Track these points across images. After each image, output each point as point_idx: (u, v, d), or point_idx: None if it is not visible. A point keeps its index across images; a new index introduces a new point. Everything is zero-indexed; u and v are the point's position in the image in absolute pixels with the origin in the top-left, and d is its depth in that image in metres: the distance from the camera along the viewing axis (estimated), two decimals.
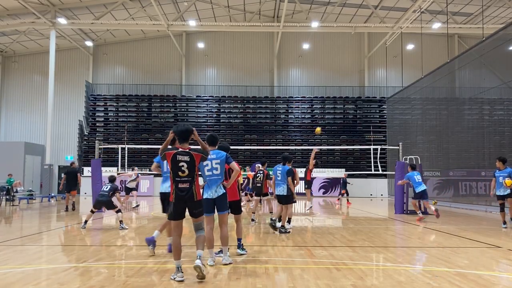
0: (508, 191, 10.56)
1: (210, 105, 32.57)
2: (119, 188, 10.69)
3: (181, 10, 27.84)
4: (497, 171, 11.08)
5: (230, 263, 6.18)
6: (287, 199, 9.52)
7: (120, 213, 10.27)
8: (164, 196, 6.81)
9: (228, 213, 6.63)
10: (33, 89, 33.08)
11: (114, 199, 10.53)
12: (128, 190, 16.75)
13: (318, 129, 12.82)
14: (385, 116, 30.41)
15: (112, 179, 10.71)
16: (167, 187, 6.55)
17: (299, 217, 13.27)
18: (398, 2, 27.14)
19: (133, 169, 17.38)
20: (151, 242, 6.88)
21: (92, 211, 10.34)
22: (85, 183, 25.73)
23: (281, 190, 9.51)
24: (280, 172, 9.55)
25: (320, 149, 13.09)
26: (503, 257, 6.97)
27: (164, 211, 6.89)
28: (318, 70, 33.49)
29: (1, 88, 33.26)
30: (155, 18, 27.48)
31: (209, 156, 6.03)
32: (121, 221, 10.19)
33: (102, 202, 10.23)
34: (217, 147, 6.40)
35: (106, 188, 10.32)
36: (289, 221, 10.05)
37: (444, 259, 6.68)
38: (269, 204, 12.61)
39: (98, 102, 32.42)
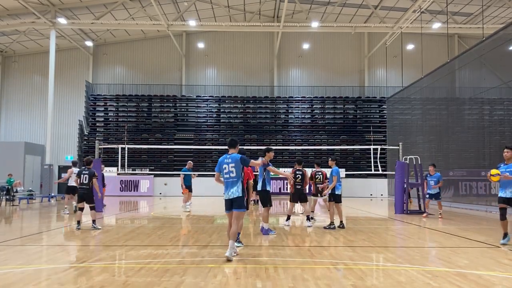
0: None
1: (210, 105, 32.57)
2: (96, 173, 10.34)
3: (181, 10, 27.85)
4: (502, 165, 8.06)
5: (233, 256, 6.50)
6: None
7: (94, 211, 10.09)
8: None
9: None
10: (33, 89, 33.07)
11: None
12: (70, 190, 14.06)
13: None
14: (385, 116, 30.41)
15: (88, 162, 10.37)
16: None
17: (299, 217, 13.27)
18: (398, 2, 27.14)
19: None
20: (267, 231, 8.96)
21: (80, 209, 10.21)
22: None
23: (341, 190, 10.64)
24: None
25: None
26: (503, 257, 6.97)
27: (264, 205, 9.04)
28: (318, 70, 33.49)
29: (1, 88, 33.26)
30: (155, 18, 27.48)
31: (226, 160, 6.74)
32: (94, 221, 10.00)
33: (83, 196, 10.05)
34: (237, 150, 6.92)
35: (85, 180, 10.06)
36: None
37: (444, 259, 6.68)
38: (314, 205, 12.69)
39: (98, 102, 32.42)
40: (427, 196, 13.92)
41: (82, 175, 10.15)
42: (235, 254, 6.62)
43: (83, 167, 10.33)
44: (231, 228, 6.68)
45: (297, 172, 10.77)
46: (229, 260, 6.29)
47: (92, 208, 10.16)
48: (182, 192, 16.09)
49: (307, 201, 10.94)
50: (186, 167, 16.15)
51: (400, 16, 27.55)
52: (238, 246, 7.26)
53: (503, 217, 8.02)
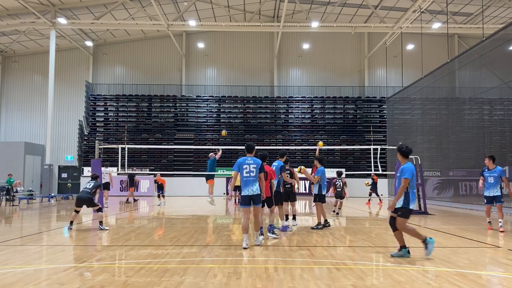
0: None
1: (210, 105, 32.56)
2: (101, 185, 10.61)
3: (181, 10, 27.84)
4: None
5: (259, 244, 7.72)
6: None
7: (101, 212, 10.19)
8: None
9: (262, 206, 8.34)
10: (33, 89, 33.08)
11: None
12: (104, 187, 16.75)
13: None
14: (385, 116, 30.40)
15: (94, 177, 10.63)
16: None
17: (298, 217, 13.27)
18: (398, 2, 27.14)
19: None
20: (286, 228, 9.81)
21: (76, 211, 10.28)
22: (84, 182, 25.96)
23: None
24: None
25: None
26: (503, 257, 6.97)
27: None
28: (318, 70, 33.49)
29: (1, 88, 33.26)
30: (155, 18, 27.48)
31: (247, 161, 7.67)
32: (101, 222, 10.10)
33: (83, 200, 10.13)
34: (253, 154, 7.89)
35: (89, 186, 10.23)
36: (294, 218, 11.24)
37: (444, 259, 6.68)
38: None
39: (98, 102, 32.41)
40: (485, 201, 10.40)
41: (89, 183, 10.43)
42: (261, 241, 7.82)
43: (93, 180, 10.52)
44: (254, 221, 7.86)
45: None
46: (258, 245, 7.66)
47: (99, 210, 10.25)
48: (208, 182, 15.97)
49: (296, 200, 11.05)
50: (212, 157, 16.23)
51: (400, 16, 27.55)
52: (274, 237, 8.58)
53: (393, 228, 6.89)
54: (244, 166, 7.63)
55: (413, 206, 6.83)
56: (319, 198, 10.51)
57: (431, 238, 6.77)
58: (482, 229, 10.72)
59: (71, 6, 26.83)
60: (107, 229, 10.08)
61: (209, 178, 15.66)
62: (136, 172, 19.69)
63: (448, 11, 23.41)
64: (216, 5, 28.20)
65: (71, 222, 10.23)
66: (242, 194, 7.69)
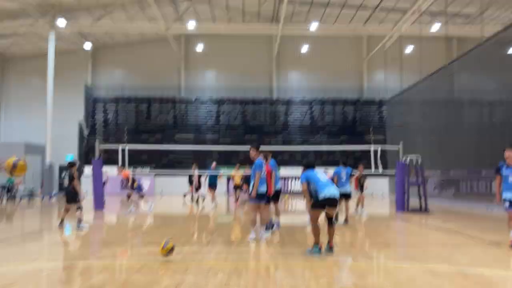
0: None
1: (209, 108, 32.49)
2: (74, 173, 9.80)
3: (180, 13, 27.84)
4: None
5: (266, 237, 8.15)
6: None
7: (80, 211, 9.67)
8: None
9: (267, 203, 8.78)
10: (32, 91, 32.90)
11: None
12: None
13: None
14: (384, 118, 30.37)
15: (70, 165, 10.01)
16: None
17: (298, 217, 13.24)
18: (397, 5, 27.14)
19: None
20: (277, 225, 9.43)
21: (78, 208, 9.87)
22: (85, 182, 25.93)
23: (348, 189, 10.76)
24: (345, 173, 10.69)
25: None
26: (505, 255, 6.96)
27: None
28: (317, 72, 33.42)
29: (1, 90, 33.20)
30: (154, 21, 27.47)
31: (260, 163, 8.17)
32: (79, 220, 9.65)
33: (65, 195, 9.89)
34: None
35: (67, 181, 9.91)
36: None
37: (446, 257, 6.67)
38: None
39: (97, 104, 32.34)
40: (506, 205, 7.37)
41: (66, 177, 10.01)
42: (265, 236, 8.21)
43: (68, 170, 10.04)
44: (261, 216, 8.33)
45: None
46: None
47: (77, 209, 9.74)
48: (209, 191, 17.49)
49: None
50: (211, 167, 17.68)
51: (399, 18, 27.56)
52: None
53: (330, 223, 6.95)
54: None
55: (323, 196, 6.61)
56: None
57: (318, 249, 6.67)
58: (484, 227, 10.69)
59: (70, 8, 26.80)
60: (85, 226, 9.73)
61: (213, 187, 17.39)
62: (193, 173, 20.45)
63: (447, 13, 23.42)
64: (215, 8, 28.18)
65: (62, 220, 9.92)
66: (260, 193, 8.22)
